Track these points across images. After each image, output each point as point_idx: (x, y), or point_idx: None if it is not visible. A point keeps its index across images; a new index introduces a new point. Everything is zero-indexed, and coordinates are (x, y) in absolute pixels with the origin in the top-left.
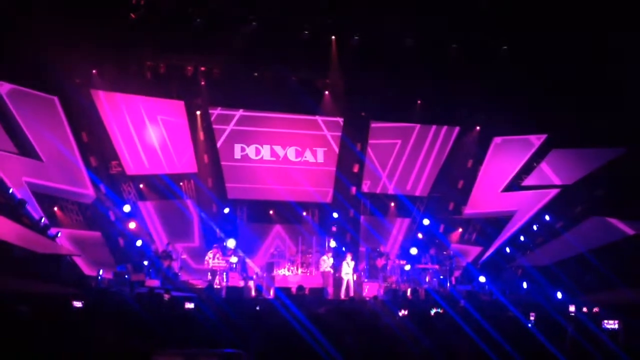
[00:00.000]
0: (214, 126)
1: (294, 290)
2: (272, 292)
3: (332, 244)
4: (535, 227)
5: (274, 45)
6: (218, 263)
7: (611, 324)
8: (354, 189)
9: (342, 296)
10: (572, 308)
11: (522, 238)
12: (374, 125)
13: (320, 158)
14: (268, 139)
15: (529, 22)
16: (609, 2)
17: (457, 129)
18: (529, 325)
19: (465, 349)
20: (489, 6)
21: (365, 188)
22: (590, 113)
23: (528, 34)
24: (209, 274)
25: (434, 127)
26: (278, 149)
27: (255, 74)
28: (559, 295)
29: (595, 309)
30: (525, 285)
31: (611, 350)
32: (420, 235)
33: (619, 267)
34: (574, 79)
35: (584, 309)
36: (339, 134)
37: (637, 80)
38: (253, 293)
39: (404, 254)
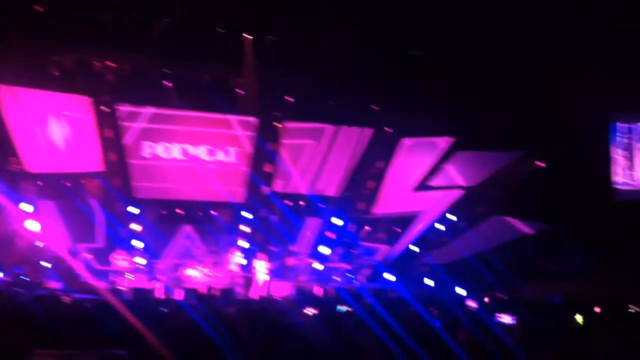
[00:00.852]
0: (122, 123)
1: (202, 290)
2: (179, 294)
3: (243, 243)
4: (440, 226)
5: (186, 43)
6: (124, 264)
7: (506, 319)
8: (266, 189)
9: (252, 296)
10: (471, 303)
11: (428, 237)
12: (287, 125)
13: (233, 157)
14: (178, 138)
15: (439, 25)
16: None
17: (368, 130)
18: (432, 320)
19: (370, 345)
20: (400, 8)
21: (277, 188)
22: (494, 117)
23: (438, 37)
24: (114, 275)
25: (346, 128)
26: (189, 148)
27: (167, 71)
28: (461, 291)
29: (486, 299)
30: (430, 282)
31: (506, 344)
32: (330, 235)
33: (517, 264)
34: (480, 83)
35: (480, 304)
36: (253, 133)
37: (537, 86)
38: (160, 294)
39: (315, 253)
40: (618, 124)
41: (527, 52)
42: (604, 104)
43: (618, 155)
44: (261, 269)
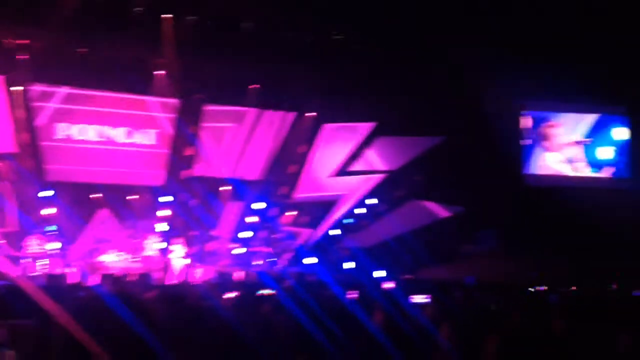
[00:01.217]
0: (35, 103)
1: (119, 275)
2: (95, 279)
3: (162, 227)
4: (361, 210)
5: (104, 21)
6: (38, 249)
7: (420, 298)
8: (186, 172)
9: (171, 281)
10: (388, 284)
11: (349, 220)
12: (209, 108)
13: (153, 140)
14: (95, 119)
15: (361, 11)
16: None
17: (290, 115)
18: (349, 302)
19: (288, 326)
20: None
21: (198, 171)
22: (414, 102)
23: (361, 23)
24: (28, 260)
25: (268, 112)
26: (106, 130)
27: (83, 50)
28: (381, 273)
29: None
30: (351, 265)
31: (420, 322)
32: (252, 219)
33: (434, 246)
34: (400, 69)
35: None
36: (173, 115)
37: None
38: (75, 280)
39: (236, 237)
40: (528, 112)
41: (445, 41)
42: (516, 92)
43: (528, 143)
44: (180, 253)
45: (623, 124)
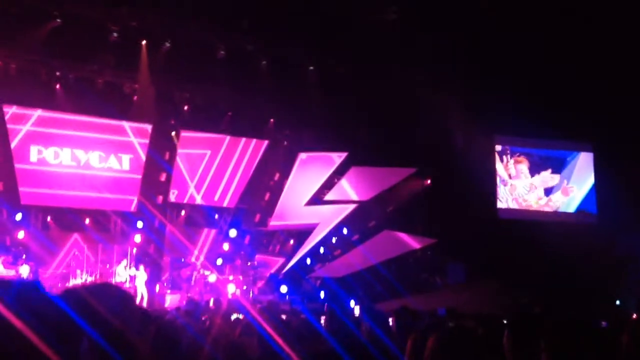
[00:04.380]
0: (8, 126)
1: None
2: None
3: (134, 253)
4: (334, 240)
5: (79, 45)
6: (6, 272)
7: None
8: (160, 198)
9: (143, 307)
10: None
11: (321, 250)
12: (183, 134)
13: (126, 165)
14: (69, 142)
15: (336, 42)
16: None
17: (265, 143)
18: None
19: (256, 346)
20: (300, 26)
21: (172, 198)
22: (387, 134)
23: (335, 54)
24: None
25: (243, 139)
26: (79, 154)
27: (57, 73)
28: (352, 303)
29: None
30: (322, 294)
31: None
32: (226, 246)
33: (405, 277)
34: (374, 100)
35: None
36: (147, 141)
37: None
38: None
39: (210, 265)
40: (502, 146)
41: (419, 74)
42: (491, 126)
43: (501, 176)
44: (151, 279)
45: (589, 160)
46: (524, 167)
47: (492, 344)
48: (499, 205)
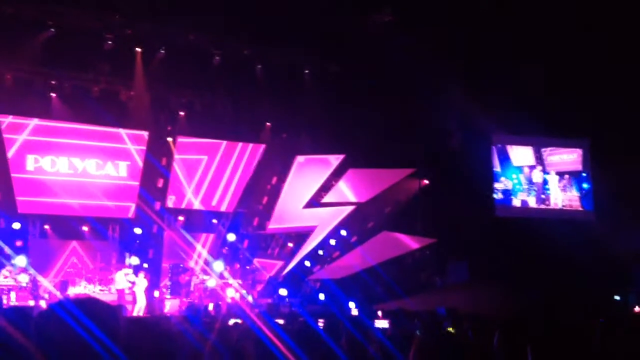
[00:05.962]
0: (4, 135)
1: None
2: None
3: (134, 260)
4: (332, 242)
5: (74, 53)
6: (6, 282)
7: (382, 323)
8: (158, 204)
9: (141, 313)
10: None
11: (320, 252)
12: (180, 140)
13: (123, 172)
14: (65, 151)
15: (332, 44)
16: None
17: (262, 147)
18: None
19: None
20: (294, 29)
21: (169, 203)
22: (384, 135)
23: (332, 56)
24: None
25: (240, 144)
26: (76, 162)
27: (53, 82)
28: (351, 305)
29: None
30: (322, 296)
31: (381, 343)
32: (224, 251)
33: (403, 278)
34: (371, 102)
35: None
36: (144, 147)
37: (426, 109)
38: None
39: (208, 270)
40: (499, 146)
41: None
42: (488, 127)
43: (499, 175)
44: (150, 285)
45: (587, 159)
46: (523, 166)
47: (483, 345)
48: (496, 203)
